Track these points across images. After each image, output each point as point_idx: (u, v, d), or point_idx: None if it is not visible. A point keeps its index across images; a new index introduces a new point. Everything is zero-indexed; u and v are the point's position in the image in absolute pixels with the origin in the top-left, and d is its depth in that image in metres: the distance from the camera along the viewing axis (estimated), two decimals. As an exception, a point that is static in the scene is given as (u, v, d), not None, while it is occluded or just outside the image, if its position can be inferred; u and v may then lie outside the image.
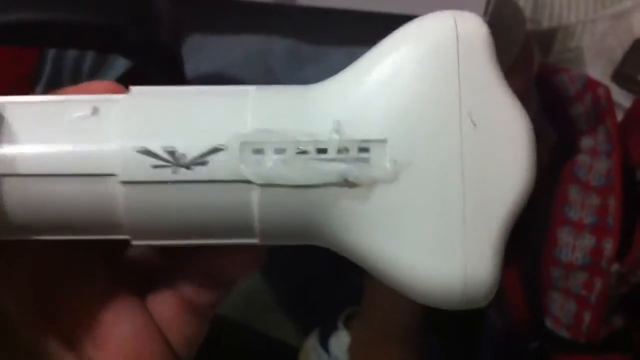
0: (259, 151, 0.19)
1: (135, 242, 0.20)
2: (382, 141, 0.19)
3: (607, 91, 0.66)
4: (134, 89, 0.21)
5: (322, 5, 0.53)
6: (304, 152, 0.19)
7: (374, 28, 0.58)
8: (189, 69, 0.53)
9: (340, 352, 0.70)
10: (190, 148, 0.18)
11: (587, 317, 0.68)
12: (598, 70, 0.76)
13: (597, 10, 0.79)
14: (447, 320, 0.71)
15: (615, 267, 0.65)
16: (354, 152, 0.19)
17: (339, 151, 0.19)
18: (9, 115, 0.20)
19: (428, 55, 0.19)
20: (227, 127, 0.19)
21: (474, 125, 0.19)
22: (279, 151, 0.19)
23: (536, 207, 0.75)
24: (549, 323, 0.72)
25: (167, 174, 0.19)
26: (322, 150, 0.19)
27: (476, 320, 0.75)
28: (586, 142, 0.68)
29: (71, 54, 0.54)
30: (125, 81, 0.50)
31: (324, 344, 0.72)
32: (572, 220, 0.67)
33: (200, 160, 0.19)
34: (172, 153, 0.18)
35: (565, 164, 0.67)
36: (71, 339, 0.22)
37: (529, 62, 0.62)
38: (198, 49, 0.55)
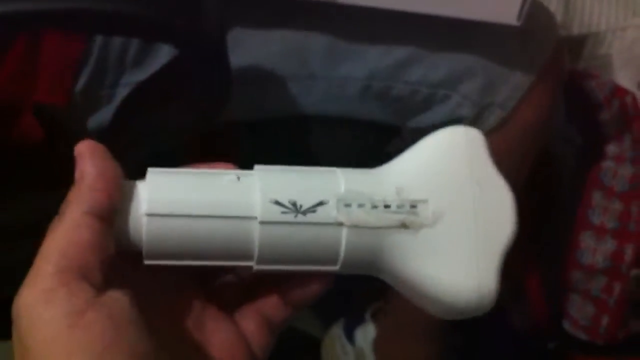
0: (348, 205, 0.28)
1: (256, 268, 0.28)
2: (425, 200, 0.29)
3: (635, 99, 0.67)
4: (259, 167, 0.30)
5: (359, 4, 0.54)
6: (376, 207, 0.28)
7: (410, 26, 0.59)
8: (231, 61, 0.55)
9: (365, 344, 0.72)
10: (305, 201, 0.28)
11: (605, 320, 0.69)
12: (626, 78, 0.76)
13: (627, 19, 0.80)
14: (469, 319, 0.72)
15: (635, 272, 0.66)
16: (407, 207, 0.29)
17: (398, 207, 0.28)
18: (172, 175, 0.29)
19: (450, 150, 0.30)
20: (327, 190, 0.28)
21: (481, 191, 0.29)
22: (361, 205, 0.28)
23: (560, 211, 0.76)
24: (567, 325, 0.73)
25: (290, 217, 0.28)
26: (388, 206, 0.28)
27: (498, 321, 0.76)
28: (612, 148, 0.69)
29: (116, 42, 0.56)
30: (171, 70, 0.52)
31: (349, 335, 0.74)
32: (595, 225, 0.68)
33: (312, 210, 0.28)
34: (294, 204, 0.28)
35: (590, 169, 0.69)
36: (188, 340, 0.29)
37: (560, 66, 0.63)
38: (237, 42, 0.57)
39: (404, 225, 0.29)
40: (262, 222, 0.27)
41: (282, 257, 0.28)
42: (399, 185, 0.29)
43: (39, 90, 0.57)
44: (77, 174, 0.27)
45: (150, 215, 0.27)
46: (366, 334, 0.73)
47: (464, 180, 0.29)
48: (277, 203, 0.28)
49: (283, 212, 0.28)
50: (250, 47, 0.59)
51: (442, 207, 0.29)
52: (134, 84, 0.57)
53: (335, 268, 0.29)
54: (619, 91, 0.69)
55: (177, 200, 0.28)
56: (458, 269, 0.28)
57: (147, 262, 0.28)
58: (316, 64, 0.60)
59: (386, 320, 0.72)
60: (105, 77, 0.58)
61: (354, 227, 0.28)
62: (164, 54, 0.57)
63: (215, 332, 0.29)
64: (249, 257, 0.28)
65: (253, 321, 0.30)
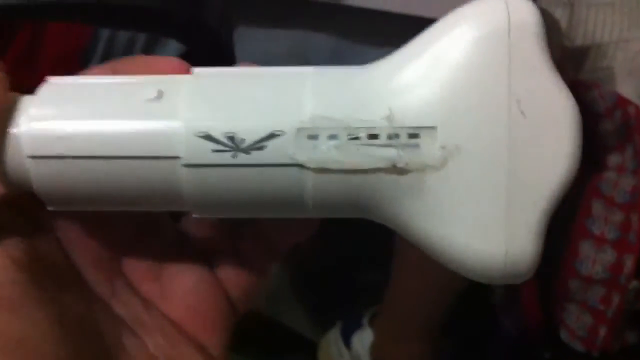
0: (313, 137, 0.20)
1: (196, 215, 0.22)
2: (432, 128, 0.19)
3: (637, 110, 0.67)
4: (196, 70, 0.22)
5: (366, 6, 0.54)
6: (356, 138, 0.20)
7: (414, 29, 0.59)
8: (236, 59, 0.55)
9: (362, 349, 0.72)
10: (249, 133, 0.20)
11: (602, 330, 0.68)
12: (629, 90, 0.76)
13: (631, 31, 0.80)
14: (464, 325, 0.72)
15: (634, 283, 0.66)
16: (404, 139, 0.20)
17: (390, 137, 0.20)
18: (78, 93, 0.21)
19: (479, 41, 0.20)
20: (284, 113, 0.20)
21: (522, 113, 0.19)
22: (333, 137, 0.20)
23: (559, 219, 0.76)
24: (563, 335, 0.72)
25: (227, 158, 0.20)
26: (374, 136, 0.20)
27: (492, 327, 0.76)
28: (613, 158, 0.69)
29: (124, 35, 0.56)
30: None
31: (346, 340, 0.74)
32: (595, 234, 0.68)
33: (258, 146, 0.20)
34: (232, 138, 0.20)
35: (591, 178, 0.68)
36: (140, 290, 0.25)
37: (563, 74, 0.63)
38: (242, 39, 0.57)
39: (397, 169, 0.19)
40: (188, 165, 0.20)
41: (227, 204, 0.21)
42: (391, 104, 0.20)
43: (43, 77, 0.57)
44: None
45: (34, 157, 0.20)
46: (363, 339, 0.72)
47: (497, 96, 0.19)
48: (208, 137, 0.20)
49: (215, 151, 0.20)
50: (253, 46, 0.59)
51: (457, 138, 0.19)
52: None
53: (306, 215, 0.21)
54: (621, 102, 0.69)
55: (71, 134, 0.20)
56: (477, 228, 0.20)
57: (51, 208, 0.21)
58: (319, 64, 0.60)
59: (381, 324, 0.72)
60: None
61: (322, 170, 0.20)
62: (171, 50, 0.57)
63: (176, 278, 0.25)
64: (181, 204, 0.21)
65: (231, 266, 0.25)
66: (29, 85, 0.60)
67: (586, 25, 0.82)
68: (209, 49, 0.48)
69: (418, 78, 0.20)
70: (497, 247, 0.20)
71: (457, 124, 0.19)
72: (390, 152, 0.20)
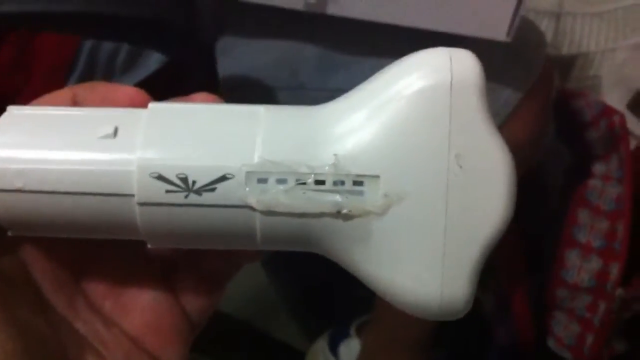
0: (263, 180, 0.21)
1: (150, 246, 0.23)
2: (376, 177, 0.20)
3: (623, 119, 0.68)
4: (152, 106, 0.22)
5: (350, 16, 0.55)
6: (303, 183, 0.21)
7: (401, 40, 0.59)
8: (219, 69, 0.55)
9: (349, 359, 0.71)
10: (200, 176, 0.20)
11: (589, 339, 0.68)
12: (615, 98, 0.77)
13: (617, 40, 0.81)
14: (455, 335, 0.71)
15: (619, 291, 0.66)
16: (348, 185, 0.21)
17: (335, 183, 0.21)
18: (37, 125, 0.22)
19: (422, 94, 0.21)
20: (235, 157, 0.21)
21: (460, 167, 0.20)
22: (281, 181, 0.21)
23: (547, 228, 0.76)
24: (551, 343, 0.73)
25: (179, 198, 0.21)
26: (320, 182, 0.21)
27: (483, 337, 0.76)
28: (599, 167, 0.69)
29: (106, 47, 0.56)
30: (159, 77, 0.52)
31: (334, 349, 0.74)
32: (581, 243, 0.68)
33: (210, 187, 0.21)
34: (184, 180, 0.21)
35: (578, 187, 0.69)
36: (100, 307, 0.25)
37: (548, 85, 0.64)
38: (228, 50, 0.57)
39: (341, 215, 0.20)
40: (141, 204, 0.21)
41: (180, 238, 0.22)
42: (338, 151, 0.20)
43: (32, 87, 0.57)
44: None
45: None
46: (350, 349, 0.72)
47: (438, 148, 0.20)
48: (161, 178, 0.20)
49: (169, 191, 0.20)
50: (240, 56, 0.59)
51: (399, 187, 0.20)
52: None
53: (255, 248, 0.22)
54: (607, 111, 0.70)
55: (30, 169, 0.21)
56: (417, 272, 0.21)
57: (10, 234, 0.22)
58: (306, 74, 0.60)
59: (370, 334, 0.72)
60: (94, 80, 0.58)
61: (270, 212, 0.21)
62: (153, 61, 0.57)
63: (136, 296, 0.25)
64: (137, 235, 0.22)
65: (189, 284, 0.26)
66: (19, 92, 0.60)
67: (572, 34, 0.83)
68: (199, 61, 0.48)
69: (363, 125, 0.21)
70: (433, 289, 0.21)
71: (399, 173, 0.20)
72: (335, 198, 0.20)
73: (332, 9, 0.54)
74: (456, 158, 0.20)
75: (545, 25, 0.82)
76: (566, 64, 0.82)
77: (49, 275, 0.24)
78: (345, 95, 0.23)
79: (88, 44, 0.56)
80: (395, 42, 0.61)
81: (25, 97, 0.56)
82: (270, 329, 0.83)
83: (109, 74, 0.58)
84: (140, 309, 0.25)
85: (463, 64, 0.21)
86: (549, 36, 0.81)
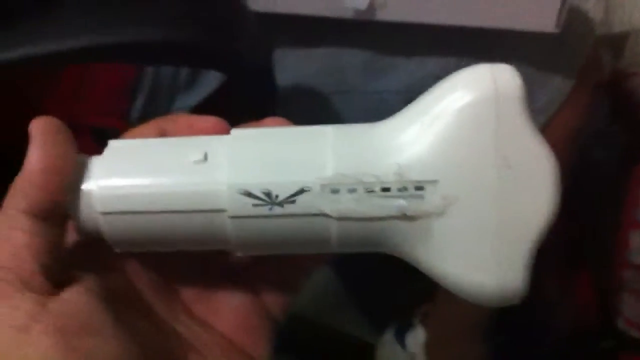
0: (335, 191, 0.24)
1: (239, 254, 0.26)
2: (435, 181, 0.23)
3: (679, 95, 0.67)
4: (234, 132, 0.26)
5: (399, 20, 0.56)
6: (371, 191, 0.23)
7: (442, 37, 0.60)
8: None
9: (416, 348, 0.73)
10: (282, 190, 0.24)
11: (658, 318, 0.68)
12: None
13: (670, 14, 0.79)
14: (515, 320, 0.72)
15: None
16: (411, 191, 0.23)
17: (399, 190, 0.23)
18: (136, 156, 0.25)
19: (470, 108, 0.23)
20: (310, 172, 0.24)
21: (509, 167, 0.23)
22: (352, 191, 0.24)
23: (608, 211, 0.76)
24: (620, 323, 0.72)
25: (264, 210, 0.24)
26: (386, 189, 0.23)
27: (543, 320, 0.76)
28: (657, 146, 0.68)
29: (168, 67, 0.59)
30: (220, 94, 0.54)
31: (401, 340, 0.76)
32: (643, 223, 0.67)
33: (290, 200, 0.24)
34: (268, 194, 0.24)
35: (635, 168, 0.68)
36: (195, 311, 0.29)
37: (597, 70, 0.63)
38: (278, 61, 0.59)
39: (406, 216, 0.23)
40: (232, 217, 0.24)
41: (265, 246, 0.25)
42: (400, 161, 0.23)
43: (94, 113, 0.60)
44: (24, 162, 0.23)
45: (104, 214, 0.24)
46: (417, 338, 0.74)
47: (487, 153, 0.23)
48: (248, 194, 0.24)
49: (255, 205, 0.24)
50: (288, 67, 0.62)
51: (455, 189, 0.23)
52: (187, 108, 0.60)
53: (331, 251, 0.25)
54: (663, 88, 0.68)
55: (134, 194, 0.24)
56: (474, 264, 0.23)
57: (117, 250, 0.26)
58: (354, 79, 0.62)
59: (434, 324, 0.73)
60: (159, 101, 0.62)
61: (343, 218, 0.24)
62: (215, 77, 0.60)
63: (225, 299, 0.28)
64: (227, 246, 0.25)
65: (271, 287, 0.29)
66: (82, 122, 0.63)
67: (623, 10, 0.81)
68: (253, 79, 0.51)
69: (420, 137, 0.24)
70: (491, 279, 0.23)
71: (455, 176, 0.23)
72: (400, 202, 0.23)
73: (381, 15, 0.56)
74: (504, 160, 0.23)
75: (595, 3, 0.81)
76: (618, 41, 0.80)
77: (148, 284, 0.27)
78: (400, 112, 0.26)
79: (150, 67, 0.59)
80: (438, 40, 0.63)
81: (89, 119, 0.59)
82: (338, 325, 0.86)
83: (173, 93, 0.61)
84: (230, 311, 0.28)
85: (504, 77, 0.23)
86: (599, 14, 0.79)
